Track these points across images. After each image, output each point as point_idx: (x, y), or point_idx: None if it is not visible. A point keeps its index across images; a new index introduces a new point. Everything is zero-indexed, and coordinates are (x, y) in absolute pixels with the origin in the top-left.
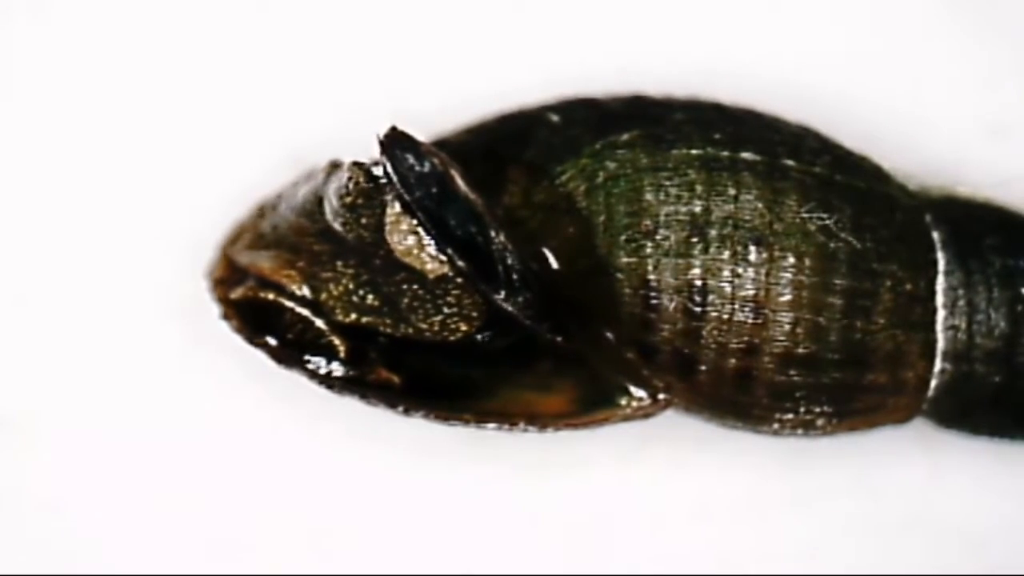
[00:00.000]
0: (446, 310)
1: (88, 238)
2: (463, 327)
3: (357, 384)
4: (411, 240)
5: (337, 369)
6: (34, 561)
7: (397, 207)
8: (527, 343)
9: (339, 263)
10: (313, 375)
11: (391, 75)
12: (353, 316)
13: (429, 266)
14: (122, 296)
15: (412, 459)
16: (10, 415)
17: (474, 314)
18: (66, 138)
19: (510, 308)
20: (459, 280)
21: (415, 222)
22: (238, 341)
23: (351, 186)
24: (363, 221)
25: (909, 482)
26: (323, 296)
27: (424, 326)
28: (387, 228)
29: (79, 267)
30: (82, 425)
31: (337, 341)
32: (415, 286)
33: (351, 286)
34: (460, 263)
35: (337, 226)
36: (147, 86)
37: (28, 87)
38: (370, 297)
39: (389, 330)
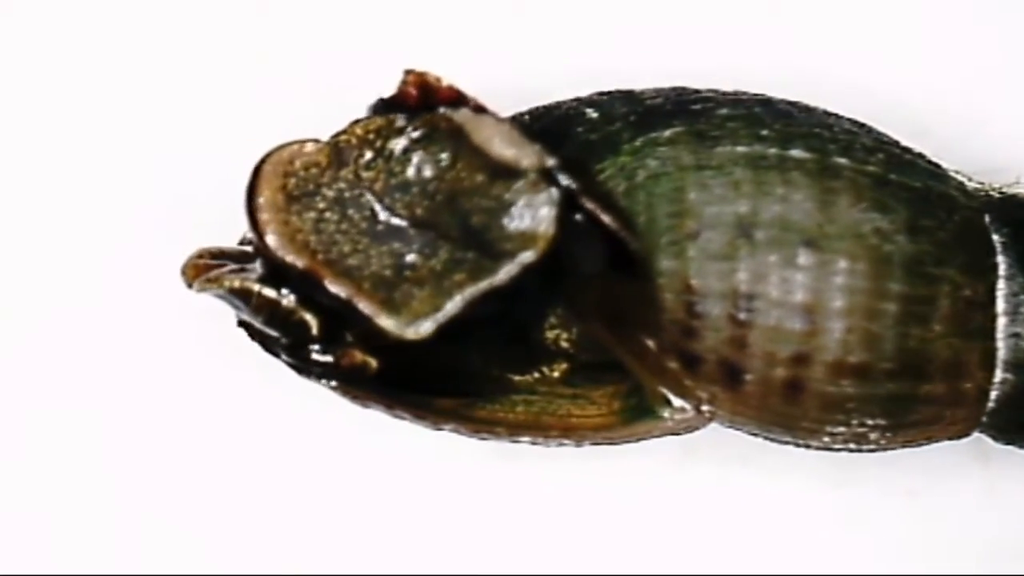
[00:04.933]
0: (517, 221)
1: (109, 242)
2: (541, 231)
3: (332, 370)
4: (493, 130)
5: (311, 351)
6: (43, 561)
7: (467, 111)
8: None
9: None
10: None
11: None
12: (456, 299)
13: (517, 152)
14: (141, 301)
15: (438, 470)
16: (19, 417)
17: (546, 214)
18: (73, 141)
19: None
20: None
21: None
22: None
23: (403, 124)
24: (423, 158)
25: (965, 499)
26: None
27: (511, 246)
28: (468, 133)
29: (88, 270)
30: (90, 427)
31: (308, 317)
32: (480, 209)
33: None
34: None
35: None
36: (156, 89)
37: (33, 89)
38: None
39: (489, 283)
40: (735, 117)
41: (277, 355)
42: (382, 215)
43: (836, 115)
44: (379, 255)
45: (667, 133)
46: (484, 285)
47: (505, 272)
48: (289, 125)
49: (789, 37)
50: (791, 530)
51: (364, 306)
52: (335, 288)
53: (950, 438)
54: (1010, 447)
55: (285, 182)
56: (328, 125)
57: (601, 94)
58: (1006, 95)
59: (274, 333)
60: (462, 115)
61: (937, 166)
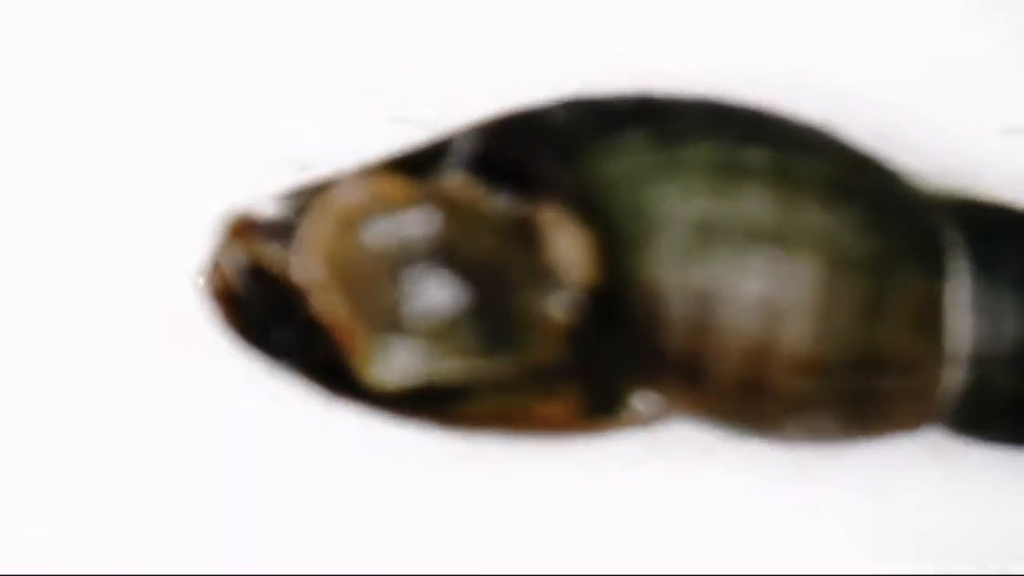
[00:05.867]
0: (527, 332)
1: (85, 242)
2: (541, 352)
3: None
4: (569, 244)
5: (286, 337)
6: (27, 567)
7: (554, 214)
8: None
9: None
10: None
11: (390, 75)
12: (437, 371)
13: (575, 273)
14: (117, 300)
15: (408, 466)
16: (18, 416)
17: (551, 339)
18: (63, 141)
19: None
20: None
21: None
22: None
23: (492, 200)
24: (492, 238)
25: (922, 492)
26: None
27: (511, 350)
28: (544, 235)
29: (76, 270)
30: (71, 430)
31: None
32: (509, 304)
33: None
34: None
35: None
36: (145, 88)
37: (27, 87)
38: (471, 338)
39: (472, 373)
40: (695, 120)
41: (254, 351)
42: (425, 263)
43: (794, 117)
44: (397, 294)
45: (629, 136)
46: (467, 367)
47: (491, 371)
48: (290, 123)
49: (750, 41)
50: (752, 524)
51: (345, 338)
52: (329, 311)
53: (907, 431)
54: (965, 441)
55: (357, 204)
56: (326, 123)
57: (567, 99)
58: (961, 98)
59: (259, 304)
60: (547, 217)
61: (894, 168)
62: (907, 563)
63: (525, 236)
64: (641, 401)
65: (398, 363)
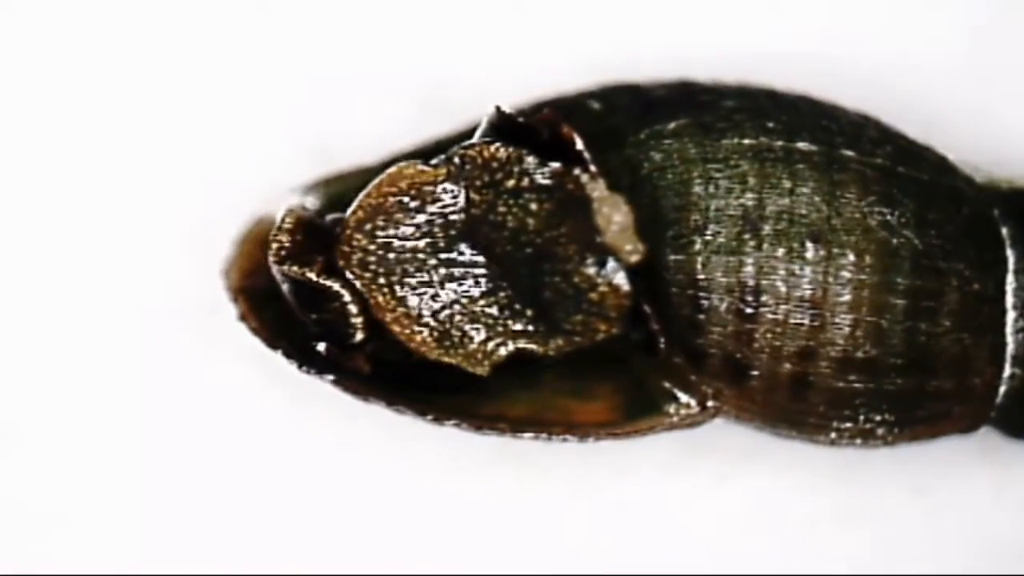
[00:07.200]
0: (585, 307)
1: (103, 236)
2: (602, 327)
3: (332, 367)
4: (622, 218)
5: (325, 349)
6: (40, 561)
7: (603, 186)
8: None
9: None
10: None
11: (413, 62)
12: (510, 347)
13: (629, 247)
14: (135, 295)
15: (439, 469)
16: (18, 420)
17: (612, 314)
18: (80, 134)
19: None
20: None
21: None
22: (255, 345)
23: (532, 168)
24: (533, 208)
25: (972, 497)
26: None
27: (569, 327)
28: (594, 207)
29: (92, 267)
30: (91, 430)
31: (361, 335)
32: (557, 278)
33: (502, 304)
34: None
35: (483, 221)
36: (163, 79)
37: (41, 81)
38: (519, 305)
39: (538, 347)
40: (740, 109)
41: (278, 348)
42: (463, 242)
43: (842, 108)
44: (444, 281)
45: (672, 125)
46: (531, 348)
47: (555, 347)
48: (314, 113)
49: (795, 28)
50: (795, 527)
51: (422, 345)
52: (395, 326)
53: (958, 433)
54: (1018, 443)
55: (384, 200)
56: (332, 119)
57: (604, 86)
58: (1014, 87)
59: (312, 320)
60: (596, 188)
61: (944, 159)
62: (957, 567)
63: (570, 206)
64: (681, 402)
65: (477, 357)
